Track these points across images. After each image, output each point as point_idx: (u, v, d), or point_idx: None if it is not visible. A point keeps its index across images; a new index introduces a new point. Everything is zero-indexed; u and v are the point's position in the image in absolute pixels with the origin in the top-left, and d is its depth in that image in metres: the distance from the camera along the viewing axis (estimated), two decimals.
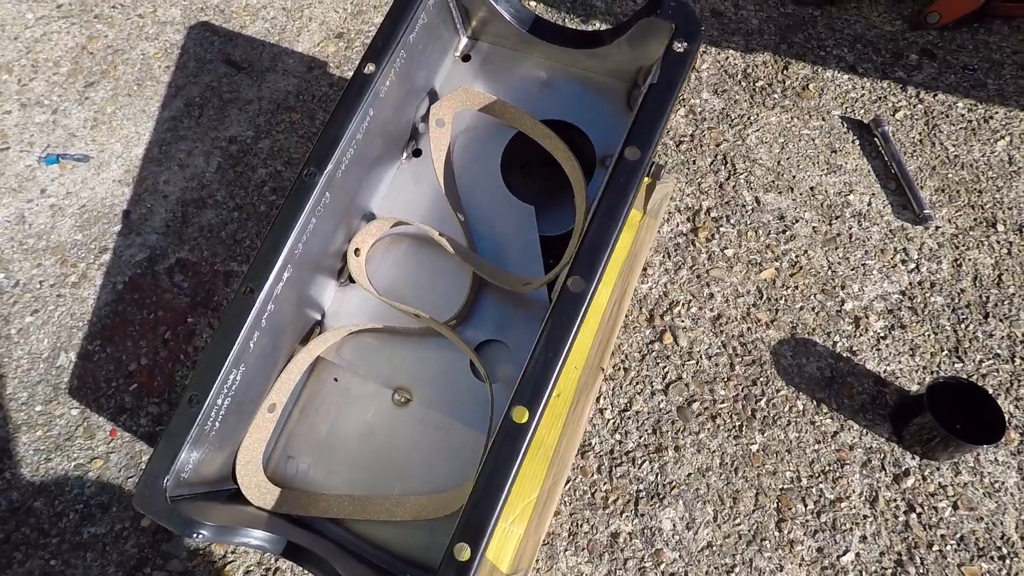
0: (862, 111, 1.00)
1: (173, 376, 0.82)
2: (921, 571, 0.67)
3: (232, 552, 0.69)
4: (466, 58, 0.72)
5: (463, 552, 0.44)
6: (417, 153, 0.70)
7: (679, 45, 0.55)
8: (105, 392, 0.81)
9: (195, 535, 0.48)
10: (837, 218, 0.90)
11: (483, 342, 0.61)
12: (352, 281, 0.65)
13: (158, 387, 0.81)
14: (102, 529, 0.71)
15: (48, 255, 0.91)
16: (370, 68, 0.59)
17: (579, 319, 0.49)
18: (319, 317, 0.65)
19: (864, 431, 0.75)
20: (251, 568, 0.69)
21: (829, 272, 0.86)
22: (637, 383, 0.79)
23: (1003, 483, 0.71)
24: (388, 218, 0.65)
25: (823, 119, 1.00)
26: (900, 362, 0.79)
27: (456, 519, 0.45)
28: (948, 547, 0.68)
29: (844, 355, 0.79)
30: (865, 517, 0.70)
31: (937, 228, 0.88)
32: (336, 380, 0.63)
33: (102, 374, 0.82)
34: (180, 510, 0.49)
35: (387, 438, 0.61)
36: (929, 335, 0.81)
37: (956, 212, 0.89)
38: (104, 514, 0.72)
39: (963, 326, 0.81)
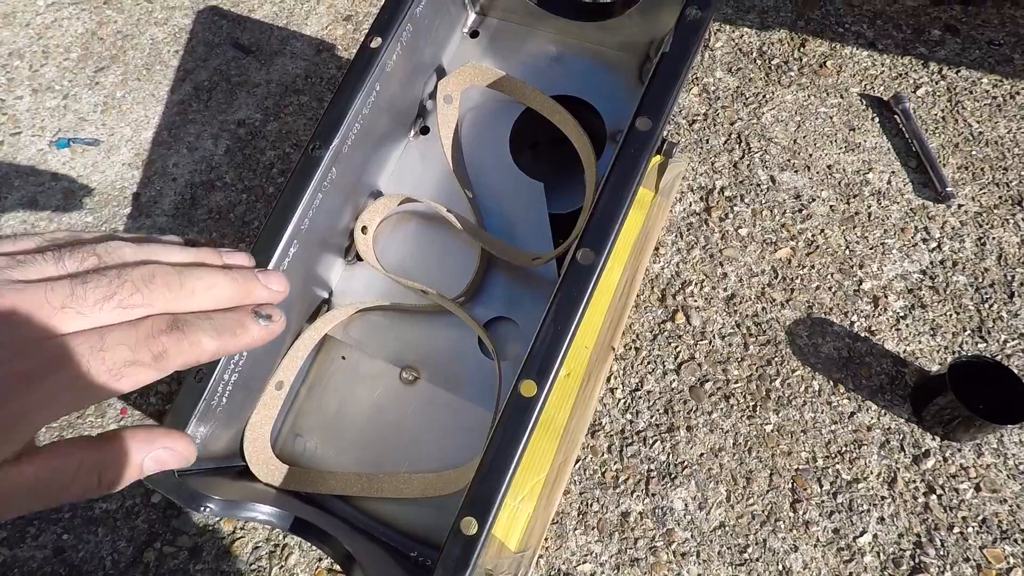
0: (882, 88, 0.97)
1: None
2: (941, 553, 0.65)
3: (241, 528, 0.70)
4: (474, 34, 0.70)
5: (470, 526, 0.43)
6: (425, 131, 0.69)
7: (693, 12, 0.53)
8: None
9: (202, 509, 0.48)
10: (855, 197, 0.88)
11: (492, 319, 0.60)
12: (359, 259, 0.65)
13: None
14: (113, 505, 0.72)
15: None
16: (376, 41, 0.58)
17: (589, 291, 0.47)
18: (326, 295, 0.64)
19: (883, 412, 0.73)
20: (259, 544, 0.69)
21: (847, 251, 0.83)
22: (649, 363, 0.78)
23: None
24: (395, 195, 0.64)
25: (841, 97, 0.97)
26: (920, 342, 0.77)
27: (463, 496, 0.44)
28: (970, 529, 0.66)
29: (862, 335, 0.78)
30: (883, 498, 0.68)
31: (960, 206, 0.86)
32: (344, 358, 0.63)
33: None
34: (188, 484, 0.49)
35: (395, 416, 0.60)
36: (951, 315, 0.78)
37: (980, 190, 0.87)
38: None
39: (987, 305, 0.78)
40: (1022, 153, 0.89)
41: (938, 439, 0.71)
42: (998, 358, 0.75)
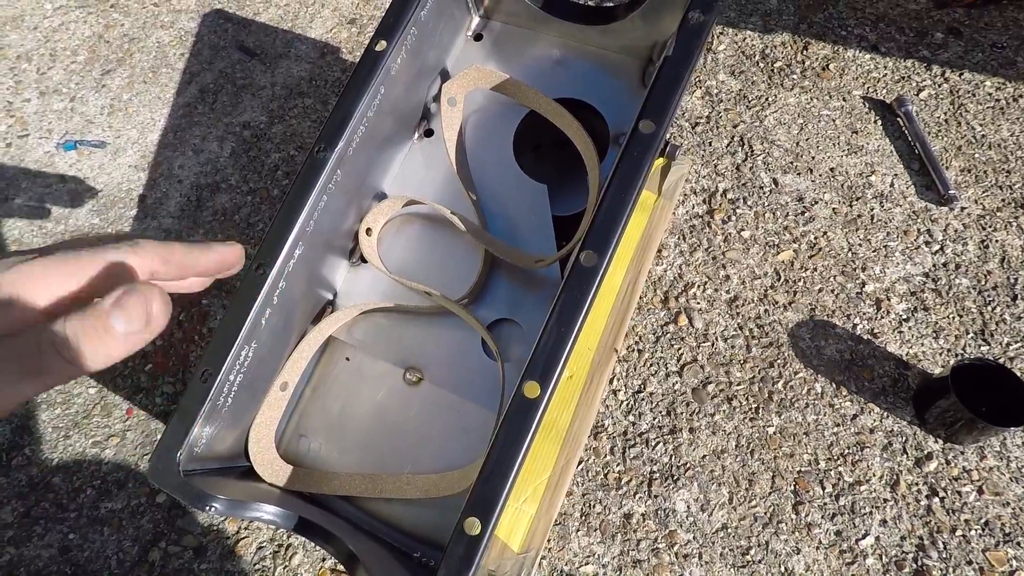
0: (884, 91, 0.97)
1: (187, 357, 0.82)
2: (944, 556, 0.65)
3: (245, 528, 0.70)
4: (478, 37, 0.71)
5: (473, 527, 0.44)
6: (429, 133, 0.69)
7: (695, 16, 0.53)
8: (121, 372, 0.82)
9: (207, 508, 0.48)
10: (858, 199, 0.88)
11: (495, 321, 0.60)
12: (364, 261, 0.65)
13: (172, 367, 0.82)
14: (119, 504, 0.72)
15: (67, 239, 0.93)
16: (381, 45, 0.58)
17: (592, 293, 0.48)
18: (331, 297, 0.65)
19: (885, 414, 0.73)
20: (263, 544, 0.69)
21: (849, 254, 0.84)
22: (651, 365, 0.78)
23: None
24: (400, 197, 0.64)
25: (844, 99, 0.97)
26: (923, 345, 0.77)
27: (466, 496, 0.45)
28: (972, 532, 0.66)
29: (865, 337, 0.78)
30: (885, 501, 0.68)
31: (963, 209, 0.86)
32: (348, 359, 0.63)
33: None
34: (193, 484, 0.49)
35: (399, 417, 0.60)
36: (954, 317, 0.78)
37: (983, 192, 0.87)
38: (120, 490, 0.73)
39: (990, 308, 0.78)
40: None
41: (940, 442, 0.71)
42: (1001, 361, 0.75)
